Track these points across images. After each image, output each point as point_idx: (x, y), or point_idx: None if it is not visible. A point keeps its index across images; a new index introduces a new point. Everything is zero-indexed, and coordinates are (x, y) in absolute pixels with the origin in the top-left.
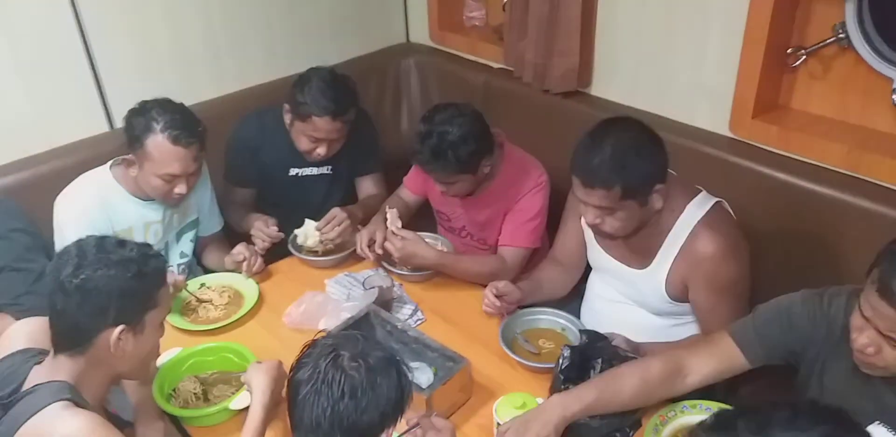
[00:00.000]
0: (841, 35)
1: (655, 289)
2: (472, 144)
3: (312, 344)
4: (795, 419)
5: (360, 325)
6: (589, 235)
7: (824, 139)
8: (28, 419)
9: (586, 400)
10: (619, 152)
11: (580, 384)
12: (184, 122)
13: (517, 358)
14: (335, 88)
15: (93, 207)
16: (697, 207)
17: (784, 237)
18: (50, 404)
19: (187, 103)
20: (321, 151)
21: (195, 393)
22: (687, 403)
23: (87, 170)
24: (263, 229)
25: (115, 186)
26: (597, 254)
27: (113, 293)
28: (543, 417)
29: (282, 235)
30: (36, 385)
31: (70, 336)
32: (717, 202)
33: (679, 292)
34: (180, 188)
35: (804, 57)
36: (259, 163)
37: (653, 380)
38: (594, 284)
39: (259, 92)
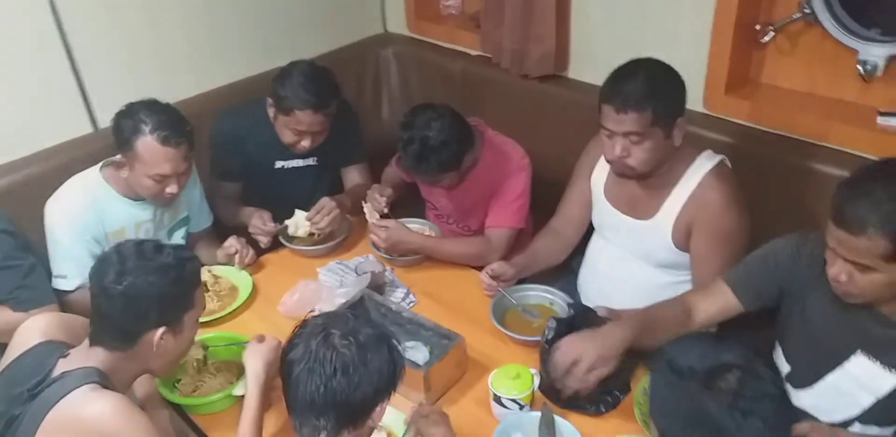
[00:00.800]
0: (806, 10)
1: (661, 238)
2: (454, 145)
3: (303, 324)
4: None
5: (354, 309)
6: (597, 194)
7: (794, 112)
8: (57, 402)
9: (637, 331)
10: (652, 79)
11: (624, 318)
12: (172, 122)
13: (508, 333)
14: (316, 81)
15: (83, 210)
16: (707, 159)
17: (759, 207)
18: (78, 387)
19: (169, 101)
20: (305, 143)
21: (198, 358)
22: None
23: (73, 171)
24: (262, 227)
25: (104, 188)
26: (603, 212)
27: (154, 298)
28: (607, 341)
29: (279, 227)
30: (64, 373)
31: (114, 337)
32: (723, 158)
33: (684, 240)
34: (171, 188)
35: (772, 33)
36: (244, 156)
37: (677, 318)
38: (596, 245)
39: (240, 87)
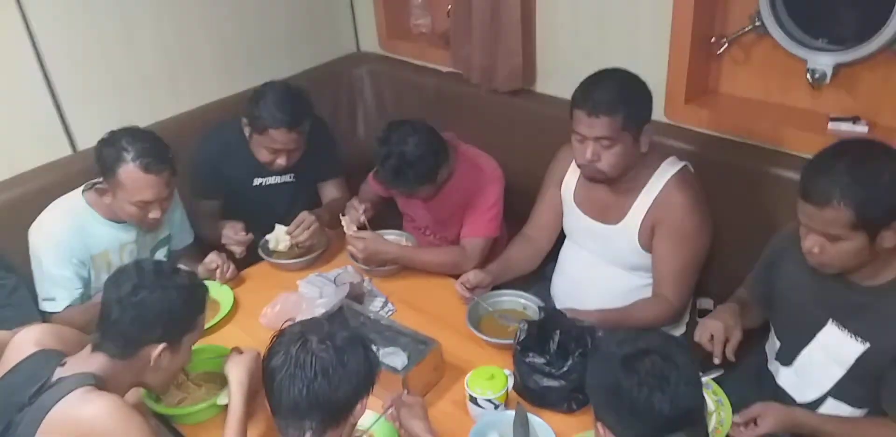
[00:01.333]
0: (757, 23)
1: (629, 241)
2: (430, 159)
3: (281, 333)
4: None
5: (334, 319)
6: (568, 201)
7: (750, 119)
8: (54, 404)
9: (737, 309)
10: (622, 86)
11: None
12: (154, 149)
13: (484, 337)
14: (289, 100)
15: (68, 235)
16: (671, 165)
17: (719, 209)
18: (74, 389)
19: (146, 123)
20: (281, 161)
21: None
22: None
23: (52, 193)
24: (233, 236)
25: (88, 212)
26: (574, 218)
27: (164, 314)
28: (724, 314)
29: (251, 237)
30: (60, 378)
31: (118, 344)
32: (686, 164)
33: (649, 242)
34: (154, 214)
35: (726, 45)
36: (223, 176)
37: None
38: (568, 251)
39: (215, 108)
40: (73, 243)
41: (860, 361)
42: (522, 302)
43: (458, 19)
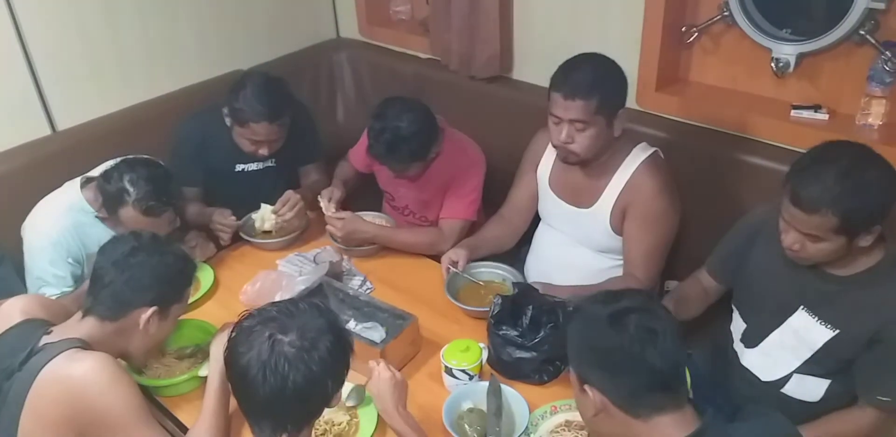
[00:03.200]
0: (725, 13)
1: (601, 224)
2: (424, 136)
3: (243, 326)
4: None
5: (314, 295)
6: (543, 184)
7: (718, 106)
8: (43, 367)
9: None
10: (599, 70)
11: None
12: (156, 191)
13: (461, 305)
14: (269, 93)
15: (66, 234)
16: (642, 151)
17: (688, 193)
18: (62, 351)
19: (125, 105)
20: (263, 151)
21: None
22: None
23: (31, 173)
24: (222, 221)
25: (86, 211)
26: (548, 201)
27: (160, 278)
28: None
29: (240, 223)
30: (46, 344)
31: (109, 305)
32: (656, 150)
33: (620, 225)
34: None
35: (696, 34)
36: (205, 162)
37: (699, 296)
38: (542, 232)
39: (194, 91)
40: (69, 243)
41: (827, 345)
42: (501, 273)
43: (437, 7)
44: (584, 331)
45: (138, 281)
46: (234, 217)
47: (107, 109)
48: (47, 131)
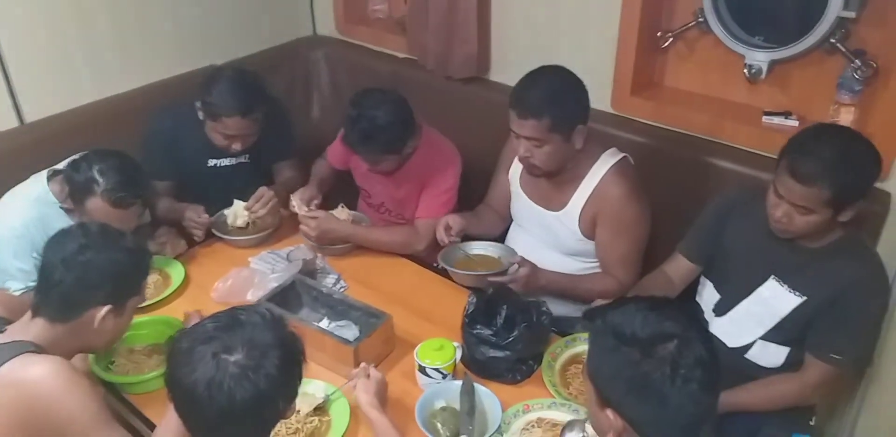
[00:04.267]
0: (700, 19)
1: (570, 227)
2: (400, 127)
3: (178, 348)
4: (627, 305)
5: (287, 293)
6: (515, 186)
7: (691, 112)
8: None
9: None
10: (552, 89)
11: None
12: (125, 183)
13: (456, 271)
14: (242, 87)
15: (32, 226)
16: (610, 156)
17: (661, 196)
18: (16, 355)
19: (97, 98)
20: (236, 146)
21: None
22: (569, 338)
23: None
24: (195, 219)
25: (52, 204)
26: (520, 203)
27: (111, 275)
28: None
29: (212, 219)
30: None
31: (58, 306)
32: (625, 156)
33: (589, 229)
34: None
35: (671, 39)
36: (177, 156)
37: (665, 285)
38: (513, 235)
39: (169, 84)
40: (34, 236)
41: (794, 311)
42: (495, 250)
43: (415, 6)
44: (615, 355)
45: (89, 280)
46: (206, 215)
47: (77, 101)
48: (15, 123)
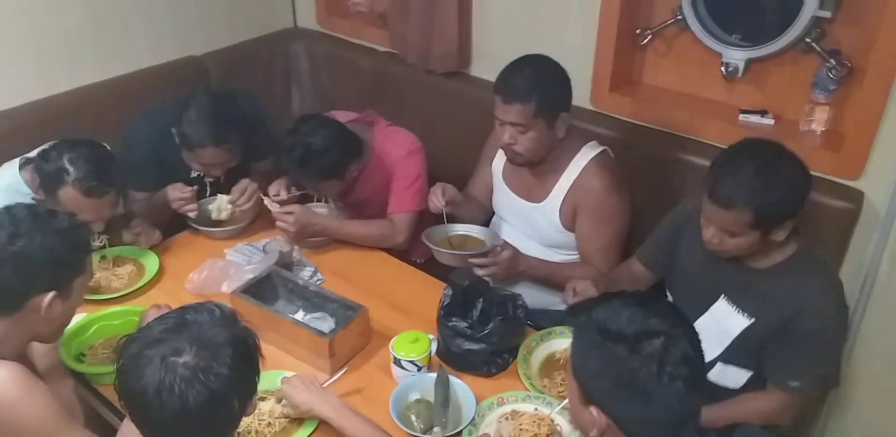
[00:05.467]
0: (679, 17)
1: (550, 219)
2: (335, 152)
3: (125, 354)
4: (613, 301)
5: (262, 284)
6: (497, 178)
7: (669, 109)
8: None
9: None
10: (538, 75)
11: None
12: (97, 172)
13: (440, 249)
14: (214, 116)
15: None
16: (591, 149)
17: (638, 193)
18: None
19: (68, 87)
20: (214, 172)
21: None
22: (544, 332)
23: None
24: (181, 195)
25: (24, 192)
26: (502, 194)
27: (48, 262)
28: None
29: (196, 188)
30: None
31: (0, 301)
32: (605, 149)
33: (569, 221)
34: (96, 227)
35: (650, 37)
36: (159, 167)
37: (629, 281)
38: (495, 227)
39: (145, 75)
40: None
41: (745, 333)
42: (479, 233)
43: (397, 0)
44: (600, 351)
45: (25, 271)
46: (189, 189)
47: (52, 90)
48: None
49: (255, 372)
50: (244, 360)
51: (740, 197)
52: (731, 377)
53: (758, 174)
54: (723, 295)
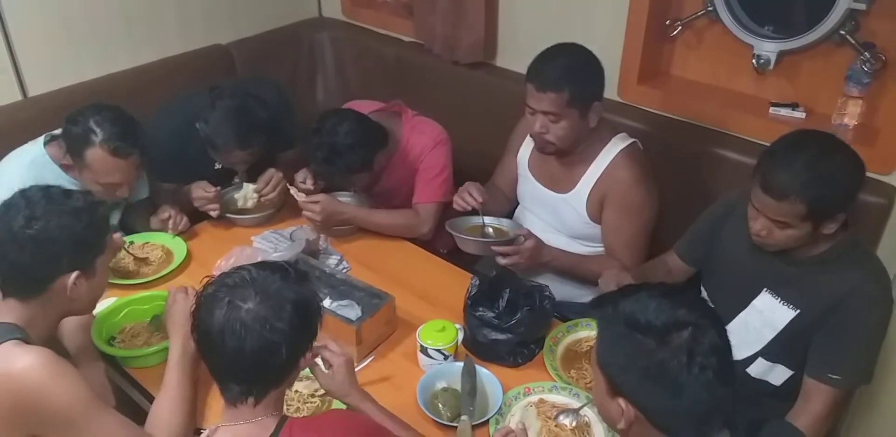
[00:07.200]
0: (709, 8)
1: (577, 210)
2: (360, 149)
3: (203, 294)
4: (639, 292)
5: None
6: (523, 169)
7: (698, 101)
8: None
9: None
10: (572, 64)
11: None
12: (123, 133)
13: (464, 237)
14: (239, 118)
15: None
16: (621, 140)
17: (665, 185)
18: (0, 343)
19: (100, 74)
20: (241, 168)
21: None
22: (570, 323)
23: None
24: (204, 194)
25: (49, 166)
26: (528, 185)
27: (67, 242)
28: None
29: (219, 190)
30: None
31: (24, 284)
32: (635, 141)
33: (596, 213)
34: (121, 192)
35: (680, 28)
36: (185, 159)
37: (663, 274)
38: (519, 218)
39: (173, 63)
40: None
41: (790, 325)
42: (503, 223)
43: None
44: (628, 342)
45: (46, 253)
46: (212, 188)
47: (81, 77)
48: (18, 97)
49: (311, 333)
50: (302, 318)
51: (793, 188)
52: (772, 373)
53: (812, 165)
54: (765, 288)
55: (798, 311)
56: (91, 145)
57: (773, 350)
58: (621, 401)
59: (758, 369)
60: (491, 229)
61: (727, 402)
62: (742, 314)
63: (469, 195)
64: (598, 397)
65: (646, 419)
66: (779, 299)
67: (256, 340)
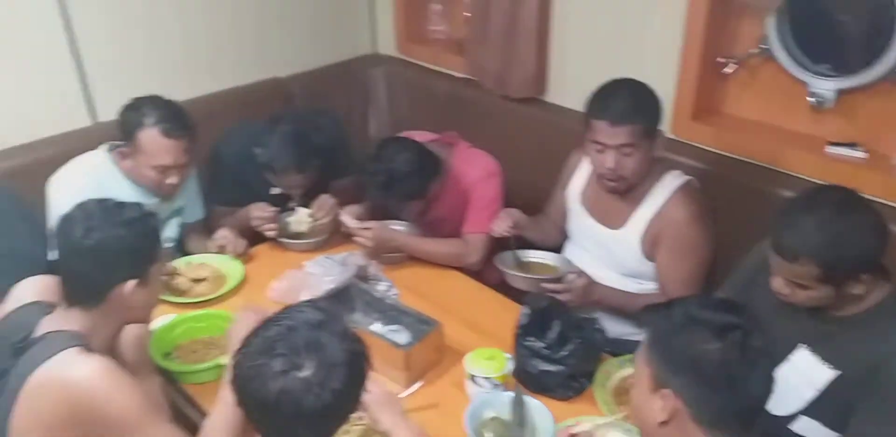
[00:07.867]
0: (764, 46)
1: (630, 247)
2: (417, 177)
3: (248, 366)
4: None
5: (340, 296)
6: (574, 203)
7: (753, 139)
8: (42, 362)
9: None
10: (638, 95)
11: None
12: (174, 116)
13: (513, 273)
14: (296, 144)
15: (88, 190)
16: (675, 178)
17: (719, 224)
18: (63, 349)
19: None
20: (297, 192)
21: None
22: (622, 358)
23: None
24: (262, 215)
25: (111, 170)
26: (579, 219)
27: (123, 252)
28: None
29: (278, 209)
30: (47, 333)
31: (85, 293)
32: (691, 178)
33: (651, 251)
34: (172, 179)
35: (734, 66)
36: (242, 183)
37: None
38: (569, 252)
39: (231, 95)
40: (90, 197)
41: (832, 386)
42: (552, 259)
43: (475, 26)
44: (684, 334)
45: (104, 263)
46: (271, 209)
47: None
48: (88, 122)
49: (364, 385)
50: (356, 377)
51: (804, 250)
52: (815, 433)
53: (822, 226)
54: (803, 345)
55: (839, 372)
56: (143, 127)
57: (817, 410)
58: (665, 392)
59: (802, 427)
60: (538, 265)
61: (764, 404)
62: (782, 369)
63: (503, 222)
64: (637, 397)
65: (689, 413)
66: (817, 357)
67: (315, 403)
